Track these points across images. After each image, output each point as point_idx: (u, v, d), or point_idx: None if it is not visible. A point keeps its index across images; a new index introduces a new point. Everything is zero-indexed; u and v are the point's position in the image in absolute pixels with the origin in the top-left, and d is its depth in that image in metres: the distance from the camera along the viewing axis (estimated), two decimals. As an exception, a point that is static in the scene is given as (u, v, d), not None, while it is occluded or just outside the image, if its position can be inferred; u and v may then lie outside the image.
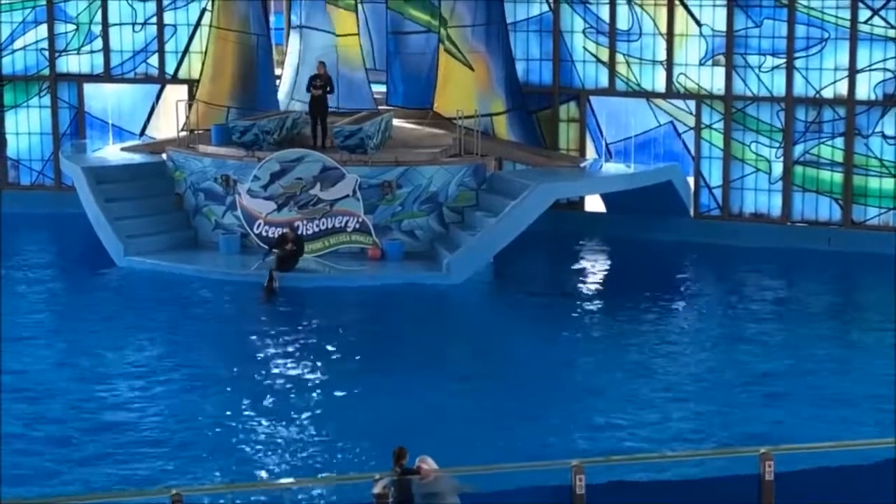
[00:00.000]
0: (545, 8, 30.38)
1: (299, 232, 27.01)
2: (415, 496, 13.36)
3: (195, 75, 31.18)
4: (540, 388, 20.43)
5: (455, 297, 25.69)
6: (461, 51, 29.40)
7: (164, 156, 29.48)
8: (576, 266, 28.31)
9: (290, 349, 22.45)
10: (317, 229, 27.38)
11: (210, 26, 30.45)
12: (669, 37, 29.59)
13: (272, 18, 32.66)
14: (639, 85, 29.96)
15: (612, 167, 29.51)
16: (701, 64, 29.52)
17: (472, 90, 29.28)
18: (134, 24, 32.18)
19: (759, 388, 20.48)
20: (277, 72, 30.99)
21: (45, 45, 32.48)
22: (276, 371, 21.32)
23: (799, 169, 29.18)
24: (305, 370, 21.31)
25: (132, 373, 21.24)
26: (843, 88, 28.68)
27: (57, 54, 32.48)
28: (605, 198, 30.11)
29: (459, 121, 28.10)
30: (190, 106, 30.03)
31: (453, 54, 29.40)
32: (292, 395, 20.15)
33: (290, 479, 17.10)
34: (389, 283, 26.02)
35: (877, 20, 28.30)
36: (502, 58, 29.72)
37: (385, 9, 30.65)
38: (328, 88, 28.32)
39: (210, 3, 30.83)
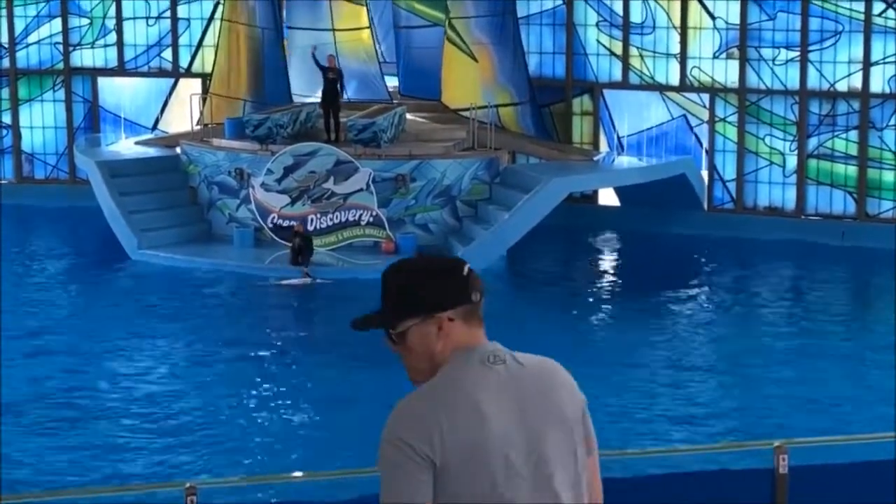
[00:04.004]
0: (558, 1, 30.35)
1: (309, 227, 27.03)
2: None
3: (208, 69, 31.22)
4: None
5: (468, 290, 25.64)
6: (465, 42, 29.36)
7: (177, 149, 29.54)
8: (589, 260, 28.31)
9: (304, 343, 22.49)
10: (330, 223, 27.41)
11: (221, 19, 30.52)
12: (683, 30, 29.55)
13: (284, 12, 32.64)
14: (652, 78, 29.93)
15: (626, 160, 29.50)
16: (715, 57, 29.49)
17: (475, 82, 29.24)
18: (148, 18, 32.23)
19: (773, 381, 20.47)
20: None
21: (59, 39, 32.53)
22: (289, 364, 21.36)
23: (813, 162, 29.14)
24: (320, 363, 21.33)
25: (144, 366, 21.30)
26: (857, 81, 28.63)
27: (71, 48, 32.55)
28: (619, 191, 30.09)
29: (471, 113, 28.11)
30: (204, 100, 30.08)
31: (457, 45, 29.36)
32: (306, 389, 20.19)
33: (306, 472, 17.11)
34: (403, 277, 25.98)
35: (891, 13, 28.23)
36: (510, 50, 29.62)
37: (389, 4, 30.67)
38: (340, 82, 28.36)
39: (222, -4, 30.93)
